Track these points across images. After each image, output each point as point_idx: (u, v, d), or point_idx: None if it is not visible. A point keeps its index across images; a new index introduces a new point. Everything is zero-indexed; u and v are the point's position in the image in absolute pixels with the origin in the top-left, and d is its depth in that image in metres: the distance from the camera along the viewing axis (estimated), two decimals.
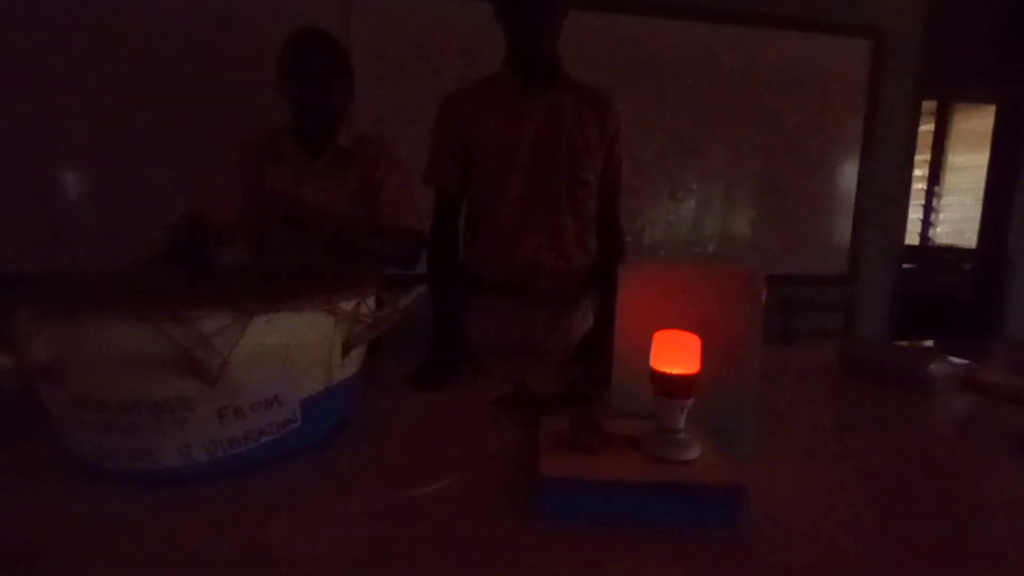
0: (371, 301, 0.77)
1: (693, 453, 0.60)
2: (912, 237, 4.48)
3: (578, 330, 1.22)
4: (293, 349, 0.65)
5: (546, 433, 0.66)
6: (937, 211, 4.61)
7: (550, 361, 1.11)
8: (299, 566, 0.49)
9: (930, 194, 4.61)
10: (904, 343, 1.30)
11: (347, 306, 0.71)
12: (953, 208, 4.46)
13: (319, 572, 0.48)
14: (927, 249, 4.46)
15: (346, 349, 0.73)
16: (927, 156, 4.53)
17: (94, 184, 1.79)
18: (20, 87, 1.70)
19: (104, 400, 0.58)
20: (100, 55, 1.74)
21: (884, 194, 2.58)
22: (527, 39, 1.11)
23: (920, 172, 4.49)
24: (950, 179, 4.53)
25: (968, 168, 4.10)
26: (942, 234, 4.54)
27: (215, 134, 1.78)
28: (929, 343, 1.35)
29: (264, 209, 1.14)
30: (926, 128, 4.44)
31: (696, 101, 2.30)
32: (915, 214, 4.52)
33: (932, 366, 0.99)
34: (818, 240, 2.56)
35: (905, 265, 2.88)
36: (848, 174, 2.55)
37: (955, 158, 4.47)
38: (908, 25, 2.41)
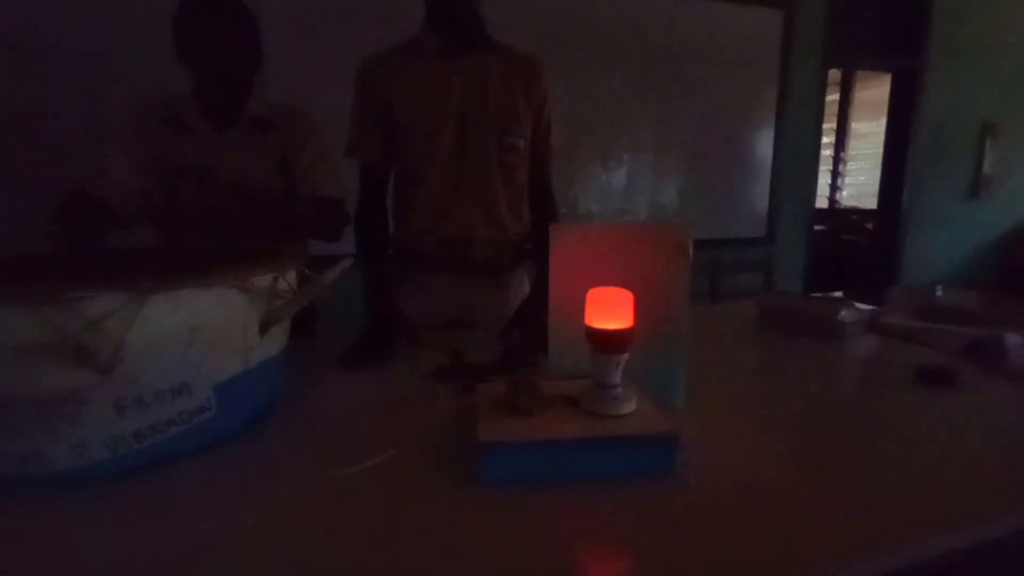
0: (291, 276, 0.72)
1: (629, 407, 0.60)
2: (822, 201, 4.84)
3: (515, 299, 1.21)
4: (201, 331, 0.59)
5: (484, 399, 0.65)
6: (843, 175, 4.99)
7: (487, 331, 1.10)
8: (229, 563, 0.45)
9: (836, 160, 4.97)
10: (817, 295, 1.39)
11: (262, 282, 0.66)
12: (857, 172, 4.84)
13: (252, 566, 0.45)
14: (835, 211, 4.83)
15: (263, 328, 0.67)
16: (833, 124, 4.88)
17: None
18: None
19: None
20: None
21: (797, 160, 2.74)
22: None
23: (828, 140, 4.83)
24: (854, 145, 4.90)
25: (870, 135, 4.45)
26: (848, 196, 4.92)
27: (100, 106, 1.60)
28: (838, 294, 1.45)
29: (168, 185, 1.03)
30: (832, 98, 4.76)
31: (624, 71, 2.32)
32: (824, 179, 4.88)
33: (842, 313, 1.06)
34: (739, 205, 2.69)
35: (816, 227, 3.10)
36: (764, 141, 2.68)
37: (858, 126, 4.83)
38: None
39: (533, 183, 1.22)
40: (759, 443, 0.67)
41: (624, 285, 0.62)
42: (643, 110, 2.40)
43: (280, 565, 0.45)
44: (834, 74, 4.29)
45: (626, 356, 0.61)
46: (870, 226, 3.63)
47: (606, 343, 0.59)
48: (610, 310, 0.60)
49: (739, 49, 2.49)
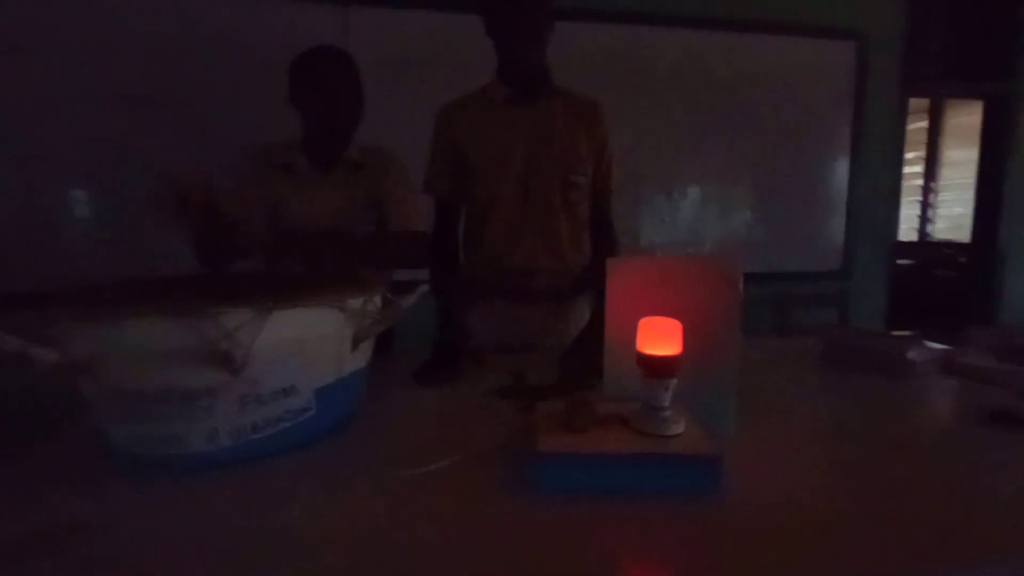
0: (377, 300, 0.83)
1: (677, 428, 0.65)
2: (911, 233, 4.54)
3: (574, 327, 1.27)
4: (307, 342, 0.71)
5: (542, 416, 0.71)
6: (934, 206, 4.67)
7: (547, 356, 1.16)
8: (315, 542, 0.54)
9: (927, 190, 4.67)
10: (887, 333, 1.35)
11: (355, 303, 0.77)
12: (951, 203, 4.51)
13: (335, 548, 0.53)
14: (925, 244, 4.51)
15: (355, 343, 0.78)
16: (923, 153, 4.60)
17: (94, 201, 1.86)
18: (19, 104, 1.77)
19: (140, 391, 0.64)
20: (101, 71, 1.81)
21: (875, 191, 2.64)
22: (517, 53, 1.17)
23: (917, 169, 4.56)
24: (946, 174, 4.59)
25: (965, 163, 4.15)
26: (941, 229, 4.59)
27: (215, 147, 1.86)
28: (909, 333, 1.39)
29: (274, 219, 1.21)
30: (920, 125, 4.51)
31: (690, 105, 2.36)
32: (914, 210, 4.59)
33: (911, 351, 1.04)
34: (812, 237, 2.61)
35: (902, 260, 2.92)
36: (839, 172, 2.60)
37: (951, 153, 4.53)
38: (889, 26, 2.48)
39: (593, 217, 1.29)
40: (806, 471, 0.69)
41: (676, 315, 0.67)
42: (707, 142, 2.42)
43: (360, 548, 0.53)
44: (922, 100, 4.07)
45: (674, 381, 0.66)
46: (963, 260, 3.37)
47: (655, 368, 0.65)
48: (660, 338, 0.65)
49: (808, 81, 2.46)
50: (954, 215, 4.46)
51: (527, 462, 0.64)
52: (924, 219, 4.72)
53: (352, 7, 1.93)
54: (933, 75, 2.67)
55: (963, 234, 3.85)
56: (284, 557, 0.51)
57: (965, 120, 4.25)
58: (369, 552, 0.52)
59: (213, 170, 1.27)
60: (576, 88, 1.27)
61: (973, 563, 0.50)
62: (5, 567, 0.49)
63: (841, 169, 2.60)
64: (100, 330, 0.62)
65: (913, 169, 4.47)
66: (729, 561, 0.50)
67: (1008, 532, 0.55)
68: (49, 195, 1.83)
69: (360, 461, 0.72)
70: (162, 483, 0.65)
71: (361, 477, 0.67)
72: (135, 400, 0.64)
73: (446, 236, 1.28)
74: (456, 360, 1.09)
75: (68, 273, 1.81)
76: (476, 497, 0.62)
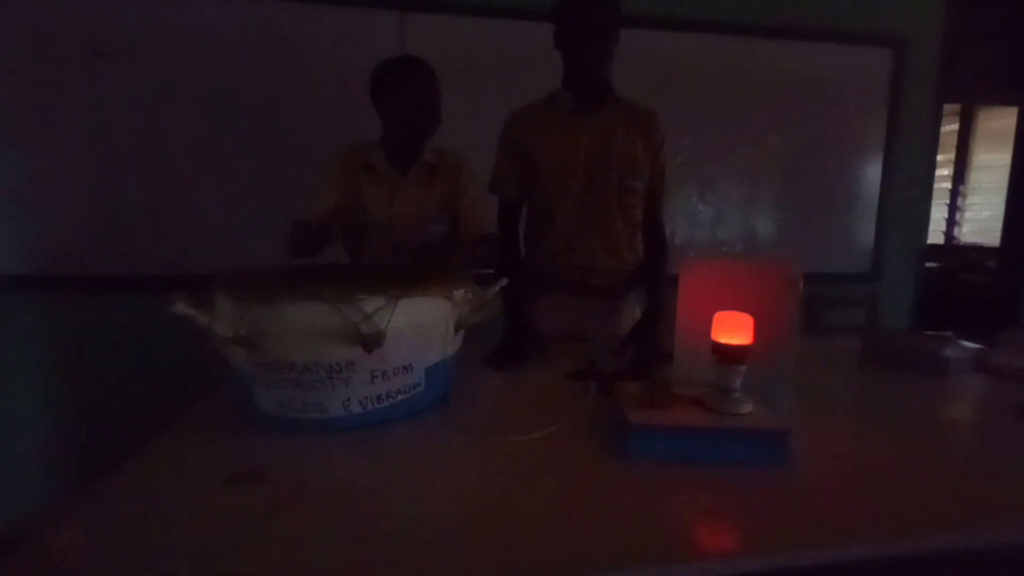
0: (473, 293, 0.94)
1: (747, 408, 0.75)
2: (938, 236, 4.55)
3: (626, 321, 1.37)
4: (423, 327, 0.83)
5: (623, 396, 0.82)
6: (962, 210, 4.66)
7: (603, 346, 1.27)
8: (441, 493, 0.65)
9: (955, 193, 4.66)
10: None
11: (459, 294, 0.88)
12: (979, 207, 4.51)
13: (444, 496, 0.64)
14: (952, 247, 4.51)
15: (457, 329, 0.90)
16: (952, 155, 4.59)
17: (187, 196, 2.01)
18: (128, 110, 1.92)
19: (292, 363, 0.76)
20: (191, 85, 1.95)
21: (906, 194, 2.68)
22: (584, 65, 1.27)
23: (946, 172, 4.56)
24: (976, 178, 4.58)
25: (995, 167, 4.15)
26: (968, 232, 4.59)
27: (283, 147, 2.00)
28: (945, 333, 1.47)
29: (358, 215, 1.33)
30: (951, 128, 4.50)
31: (726, 109, 2.43)
32: (941, 213, 4.59)
33: (945, 350, 1.13)
34: (842, 239, 2.67)
35: (930, 263, 2.96)
36: (871, 175, 2.65)
37: (981, 157, 4.52)
38: (926, 32, 2.52)
39: (647, 220, 1.39)
40: (853, 449, 0.79)
41: (741, 311, 0.77)
42: (744, 145, 2.48)
43: (464, 506, 0.62)
44: (954, 104, 4.07)
45: (745, 367, 0.76)
46: (992, 264, 3.39)
47: (730, 355, 0.75)
48: (733, 329, 0.75)
49: (844, 86, 2.51)
50: (982, 219, 4.46)
51: (620, 432, 0.74)
52: (952, 222, 4.72)
53: (410, 13, 2.04)
54: (969, 81, 2.70)
55: (991, 238, 3.86)
56: (390, 503, 0.63)
57: (996, 124, 4.23)
58: (474, 504, 0.63)
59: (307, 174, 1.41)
60: (634, 98, 1.36)
61: (991, 524, 0.61)
62: (224, 489, 0.63)
63: (873, 172, 2.65)
64: (266, 311, 0.74)
65: (942, 172, 4.47)
66: (798, 524, 0.60)
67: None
68: (131, 188, 1.98)
69: (464, 428, 0.84)
70: (306, 439, 0.77)
71: (466, 441, 0.79)
72: (286, 370, 0.76)
73: (509, 231, 1.39)
74: (523, 348, 1.20)
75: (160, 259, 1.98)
76: (575, 460, 0.73)
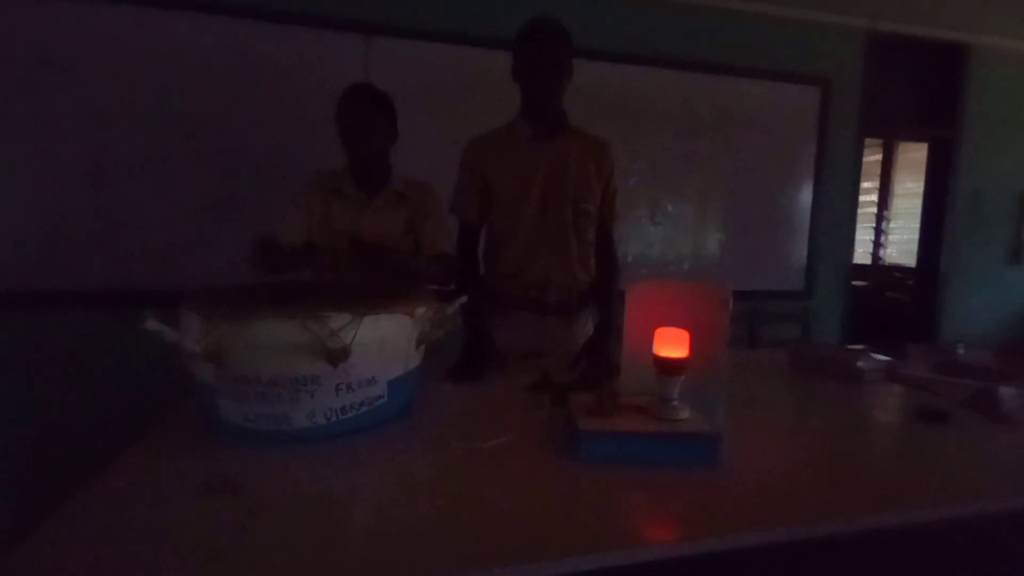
0: (434, 310, 0.99)
1: (684, 415, 0.84)
2: (866, 257, 4.93)
3: (580, 337, 1.45)
4: (386, 342, 0.87)
5: (574, 405, 0.89)
6: (886, 233, 5.09)
7: (558, 360, 1.34)
8: (406, 497, 0.69)
9: (880, 217, 5.08)
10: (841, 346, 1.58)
11: (421, 311, 0.94)
12: (902, 230, 4.93)
13: (408, 501, 0.68)
14: (878, 268, 4.91)
15: (418, 344, 0.95)
16: (877, 183, 5.02)
17: (137, 211, 1.96)
18: (77, 122, 1.87)
19: (258, 377, 0.79)
20: (145, 98, 1.93)
21: (834, 219, 2.93)
22: (538, 97, 1.35)
23: (872, 198, 4.97)
24: (898, 204, 5.02)
25: (917, 194, 4.56)
26: (892, 253, 5.01)
27: (243, 165, 2.00)
28: (861, 347, 1.63)
29: (329, 237, 1.37)
30: (875, 158, 4.92)
31: (673, 138, 2.60)
32: (869, 236, 4.99)
33: (860, 362, 1.26)
34: (778, 259, 2.88)
35: (857, 282, 3.22)
36: (803, 202, 2.88)
37: (905, 184, 4.96)
38: (850, 74, 2.79)
39: (599, 241, 1.48)
40: (780, 449, 0.89)
41: (680, 327, 0.86)
42: (689, 171, 2.66)
43: (432, 505, 0.68)
44: None
45: (682, 378, 0.84)
46: (911, 283, 3.72)
47: (669, 367, 0.84)
48: (672, 343, 0.84)
49: (778, 119, 2.74)
50: (904, 240, 4.88)
51: (572, 438, 0.81)
52: (877, 244, 5.14)
53: (374, 37, 2.09)
54: (887, 118, 2.99)
55: (912, 259, 4.23)
56: (364, 507, 0.67)
57: (915, 155, 4.67)
58: (442, 504, 0.68)
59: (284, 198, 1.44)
60: (589, 125, 1.46)
61: (899, 510, 0.71)
62: (198, 500, 0.65)
63: (805, 198, 2.88)
64: (235, 327, 0.76)
65: (868, 198, 4.88)
66: (726, 514, 0.68)
67: (926, 490, 0.76)
68: (109, 200, 1.92)
69: (426, 437, 0.88)
70: (273, 450, 0.80)
71: (428, 449, 0.84)
72: (253, 384, 0.79)
73: (468, 251, 1.45)
74: (481, 362, 1.25)
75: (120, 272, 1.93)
76: (532, 463, 0.79)
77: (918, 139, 3.36)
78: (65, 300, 1.89)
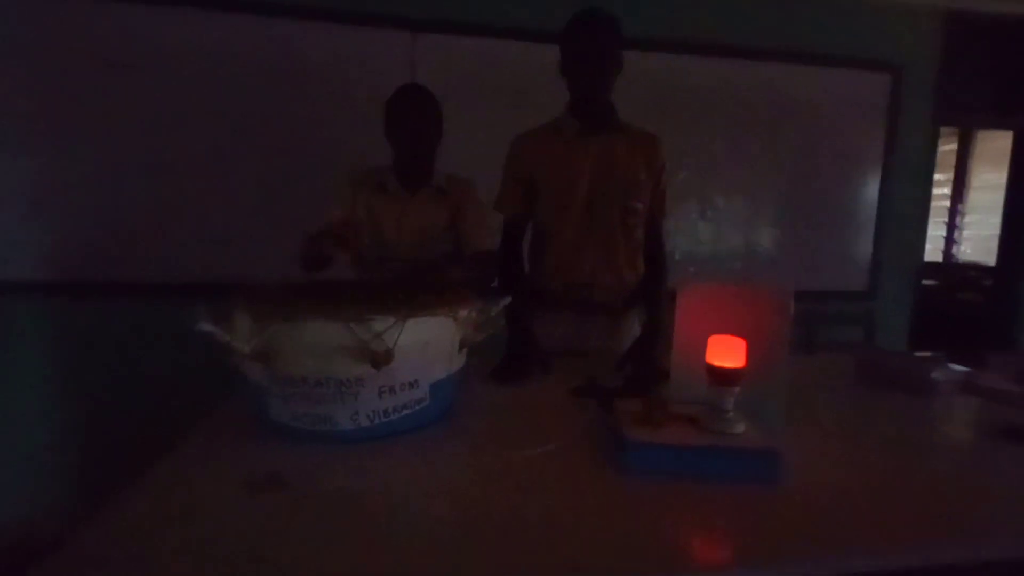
0: (477, 312, 0.98)
1: (740, 428, 0.79)
2: (937, 254, 4.59)
3: (627, 338, 1.41)
4: (429, 344, 0.86)
5: (621, 412, 0.85)
6: (961, 228, 4.71)
7: (603, 362, 1.30)
8: (445, 501, 0.68)
9: (953, 212, 4.71)
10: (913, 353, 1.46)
11: (464, 313, 0.92)
12: (978, 225, 4.55)
13: (462, 507, 0.67)
14: (950, 266, 4.55)
15: (460, 346, 0.93)
16: (951, 175, 4.65)
17: (193, 207, 2.06)
18: (138, 121, 1.97)
19: (304, 377, 0.79)
20: (202, 98, 2.01)
21: (903, 214, 2.72)
22: (586, 90, 1.31)
23: (945, 191, 4.61)
24: (974, 197, 4.63)
25: (996, 186, 4.19)
26: (966, 251, 4.63)
27: (298, 165, 2.06)
28: (935, 355, 1.50)
29: (370, 232, 1.39)
30: (950, 148, 4.56)
31: (725, 131, 2.48)
32: (940, 232, 4.64)
33: (935, 372, 1.16)
34: (839, 257, 2.71)
35: (927, 282, 3.00)
36: (868, 196, 2.70)
37: (980, 176, 4.57)
38: (923, 59, 2.58)
39: (648, 239, 1.43)
40: (842, 466, 0.82)
41: (736, 333, 0.81)
42: (742, 165, 2.53)
43: (467, 514, 0.66)
44: None
45: (738, 389, 0.79)
46: (989, 283, 3.43)
47: (723, 378, 0.79)
48: (727, 352, 0.79)
49: (842, 109, 2.57)
50: (981, 237, 4.50)
51: (618, 448, 0.78)
52: (950, 240, 4.76)
53: (420, 33, 2.10)
54: (965, 106, 2.75)
55: (990, 256, 3.89)
56: (398, 510, 0.67)
57: (996, 144, 4.29)
58: (476, 512, 0.66)
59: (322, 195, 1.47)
60: (637, 117, 1.41)
61: (975, 540, 0.65)
62: (248, 497, 0.67)
63: (870, 192, 2.70)
64: (283, 328, 0.77)
65: (941, 191, 4.52)
66: (785, 538, 0.63)
67: (1004, 522, 0.68)
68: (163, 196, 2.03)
69: (467, 442, 0.87)
70: (318, 449, 0.81)
71: (469, 454, 0.82)
72: (299, 385, 0.80)
73: (513, 249, 1.43)
74: (526, 363, 1.23)
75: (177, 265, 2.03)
76: (574, 473, 0.76)
77: (1001, 127, 3.08)
78: (123, 291, 2.00)
